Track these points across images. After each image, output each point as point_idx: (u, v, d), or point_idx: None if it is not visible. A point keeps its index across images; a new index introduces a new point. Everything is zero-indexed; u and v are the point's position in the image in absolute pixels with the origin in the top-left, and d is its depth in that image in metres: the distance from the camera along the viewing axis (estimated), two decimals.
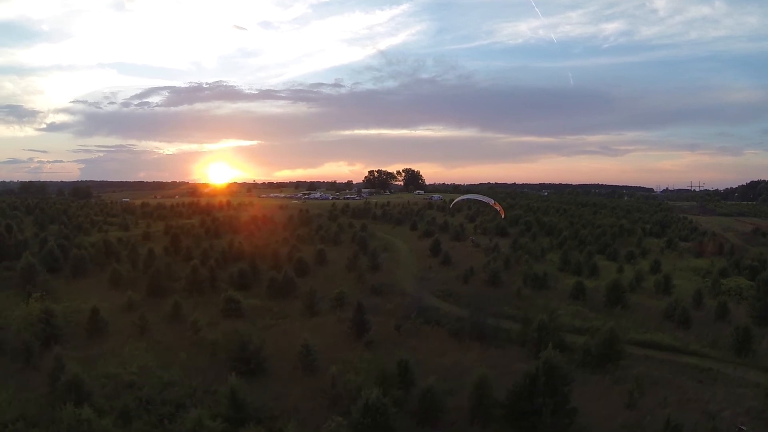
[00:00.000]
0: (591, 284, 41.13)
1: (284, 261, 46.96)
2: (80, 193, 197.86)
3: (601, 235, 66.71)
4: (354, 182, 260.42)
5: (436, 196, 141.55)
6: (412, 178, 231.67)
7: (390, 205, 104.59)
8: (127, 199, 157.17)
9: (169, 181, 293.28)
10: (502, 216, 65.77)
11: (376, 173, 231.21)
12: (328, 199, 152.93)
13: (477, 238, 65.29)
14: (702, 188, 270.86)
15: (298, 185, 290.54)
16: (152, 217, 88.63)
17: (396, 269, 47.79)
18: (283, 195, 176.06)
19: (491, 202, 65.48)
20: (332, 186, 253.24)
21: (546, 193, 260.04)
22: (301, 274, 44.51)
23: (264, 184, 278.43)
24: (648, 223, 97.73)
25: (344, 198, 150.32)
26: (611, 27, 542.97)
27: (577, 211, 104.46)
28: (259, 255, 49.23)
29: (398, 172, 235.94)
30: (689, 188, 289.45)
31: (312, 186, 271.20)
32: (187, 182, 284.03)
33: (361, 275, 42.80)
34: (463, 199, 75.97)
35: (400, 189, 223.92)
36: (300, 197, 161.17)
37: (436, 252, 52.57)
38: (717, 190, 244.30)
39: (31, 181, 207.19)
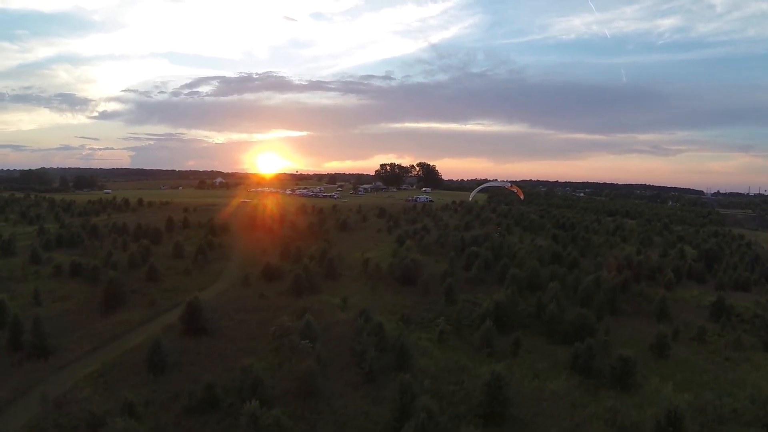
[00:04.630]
0: None
1: None
2: (83, 183, 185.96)
3: (588, 296, 33.82)
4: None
5: (422, 197, 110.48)
6: (428, 173, 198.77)
7: (335, 209, 76.12)
8: (109, 191, 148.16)
9: (208, 170, 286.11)
10: (521, 198, 65.33)
11: (388, 167, 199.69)
12: (305, 195, 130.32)
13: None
14: (759, 193, 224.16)
15: (321, 178, 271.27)
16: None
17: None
18: (269, 190, 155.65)
19: (507, 185, 63.99)
20: (358, 180, 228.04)
21: (582, 194, 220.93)
22: None
23: (296, 176, 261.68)
24: (691, 245, 63.61)
25: (322, 195, 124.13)
26: (667, 23, 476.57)
27: (585, 229, 69.68)
28: None
29: (412, 167, 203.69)
30: (744, 192, 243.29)
31: (333, 179, 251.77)
32: (218, 171, 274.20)
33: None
34: (481, 189, 68.48)
35: (416, 184, 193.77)
36: (287, 192, 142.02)
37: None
38: None
39: (30, 169, 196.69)
